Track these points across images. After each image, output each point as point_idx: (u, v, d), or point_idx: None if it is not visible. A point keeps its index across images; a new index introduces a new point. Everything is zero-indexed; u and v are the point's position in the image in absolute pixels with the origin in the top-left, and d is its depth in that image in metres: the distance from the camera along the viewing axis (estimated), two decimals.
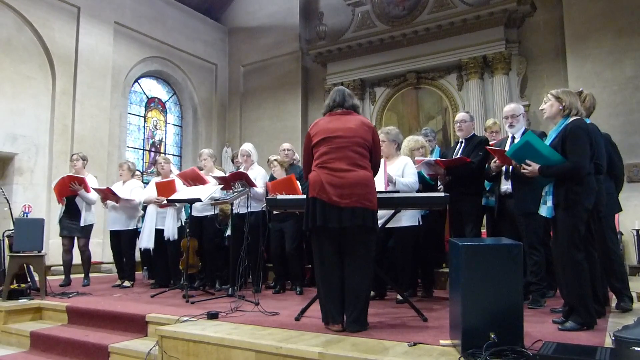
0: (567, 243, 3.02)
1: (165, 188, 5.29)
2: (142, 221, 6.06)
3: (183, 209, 5.61)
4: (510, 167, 3.80)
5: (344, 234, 3.12)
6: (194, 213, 5.27)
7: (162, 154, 10.99)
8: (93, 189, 5.86)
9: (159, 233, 5.51)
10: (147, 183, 6.36)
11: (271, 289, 5.37)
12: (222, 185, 4.98)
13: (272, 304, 4.12)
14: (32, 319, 4.56)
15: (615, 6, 7.93)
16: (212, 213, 5.28)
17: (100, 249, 8.49)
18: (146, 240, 5.53)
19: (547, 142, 3.22)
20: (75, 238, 5.97)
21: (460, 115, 4.63)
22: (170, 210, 5.44)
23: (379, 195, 3.42)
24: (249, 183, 4.78)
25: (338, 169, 3.11)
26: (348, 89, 10.15)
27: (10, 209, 5.75)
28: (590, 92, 3.79)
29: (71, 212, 5.88)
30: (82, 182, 5.79)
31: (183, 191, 5.11)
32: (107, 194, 5.78)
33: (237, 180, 4.81)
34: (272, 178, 5.35)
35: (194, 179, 5.23)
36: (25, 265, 5.05)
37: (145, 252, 5.88)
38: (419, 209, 4.35)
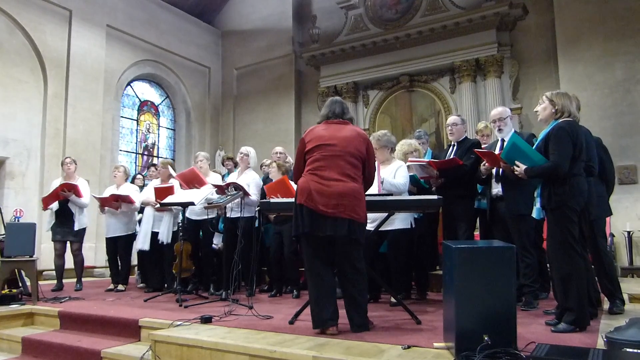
0: (559, 244, 3.04)
1: (164, 193, 5.26)
2: (139, 224, 6.04)
3: (180, 214, 5.58)
4: (500, 169, 3.82)
5: (333, 242, 3.14)
6: (192, 217, 5.25)
7: (156, 157, 10.96)
8: (95, 197, 5.84)
9: (154, 236, 5.49)
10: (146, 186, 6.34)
11: (265, 293, 5.35)
12: (216, 189, 4.97)
13: (266, 308, 4.11)
14: (23, 324, 4.51)
15: (606, 10, 8.01)
16: (210, 217, 5.24)
17: (93, 253, 8.43)
18: (142, 242, 5.52)
19: (536, 143, 3.28)
20: (68, 242, 5.90)
21: (451, 119, 4.64)
22: (167, 214, 5.42)
23: (372, 198, 3.41)
24: (243, 192, 4.77)
25: (328, 177, 3.10)
26: (341, 91, 10.36)
27: (1, 213, 5.71)
28: (580, 94, 3.85)
29: (64, 217, 5.80)
30: (72, 188, 5.71)
31: (177, 195, 5.08)
32: (110, 202, 5.74)
33: (230, 186, 4.80)
34: (267, 180, 5.33)
35: (192, 180, 5.21)
36: (16, 270, 5.01)
37: (141, 254, 5.85)
38: (412, 212, 4.36)
